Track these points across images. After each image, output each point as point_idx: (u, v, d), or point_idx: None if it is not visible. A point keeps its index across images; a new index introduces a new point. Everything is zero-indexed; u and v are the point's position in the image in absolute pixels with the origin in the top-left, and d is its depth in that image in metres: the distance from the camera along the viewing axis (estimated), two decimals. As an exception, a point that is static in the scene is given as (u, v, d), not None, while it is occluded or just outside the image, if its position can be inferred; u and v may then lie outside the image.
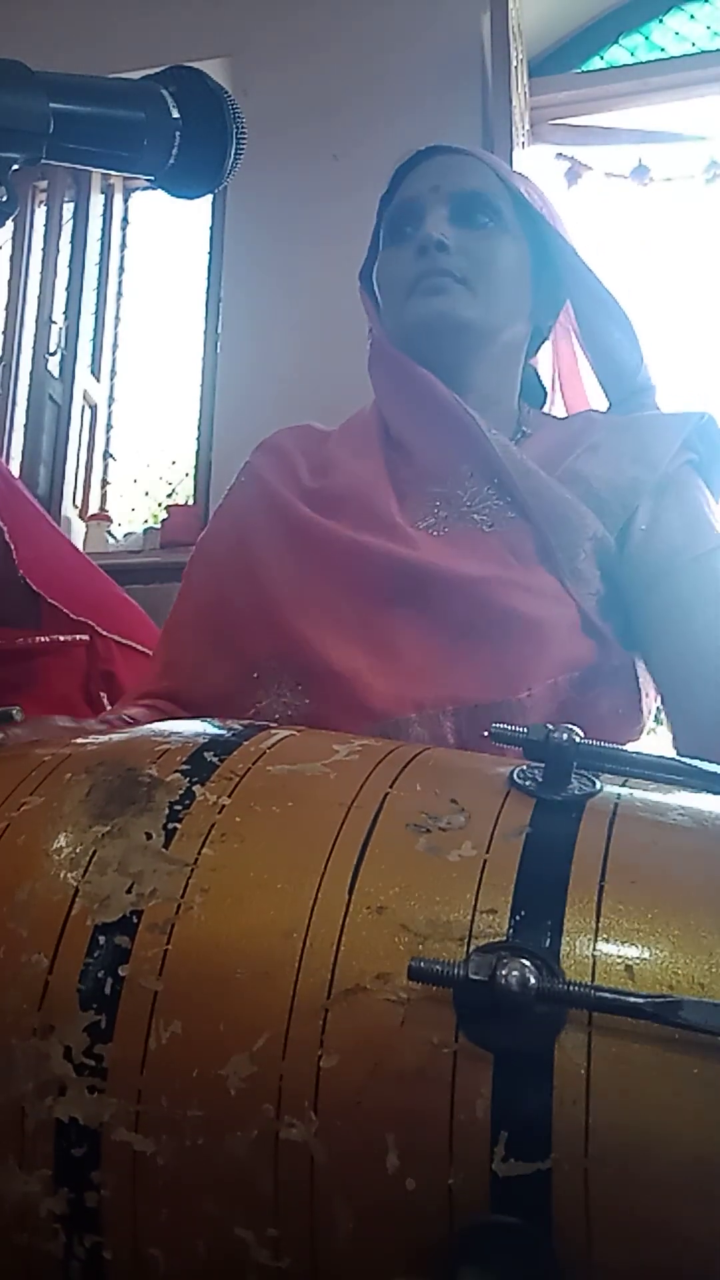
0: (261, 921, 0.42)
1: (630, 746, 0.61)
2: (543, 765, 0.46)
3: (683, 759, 0.47)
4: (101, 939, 0.42)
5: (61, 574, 1.25)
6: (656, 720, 0.88)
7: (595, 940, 0.39)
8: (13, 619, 1.21)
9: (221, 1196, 0.39)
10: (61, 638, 1.19)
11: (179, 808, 0.46)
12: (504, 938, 0.39)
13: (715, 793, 0.45)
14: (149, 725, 0.57)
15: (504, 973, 0.36)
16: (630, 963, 0.38)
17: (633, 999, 0.36)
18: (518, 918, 0.39)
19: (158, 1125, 0.40)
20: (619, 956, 0.38)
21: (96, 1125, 0.40)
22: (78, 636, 1.21)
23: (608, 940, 0.39)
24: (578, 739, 0.45)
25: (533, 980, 0.36)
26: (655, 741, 0.97)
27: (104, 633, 1.22)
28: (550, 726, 0.46)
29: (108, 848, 0.45)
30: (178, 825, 0.45)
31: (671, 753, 0.79)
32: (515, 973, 0.36)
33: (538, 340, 1.02)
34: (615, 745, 0.46)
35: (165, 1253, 0.40)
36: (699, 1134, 0.35)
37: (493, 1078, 0.37)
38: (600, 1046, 0.37)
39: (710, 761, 0.47)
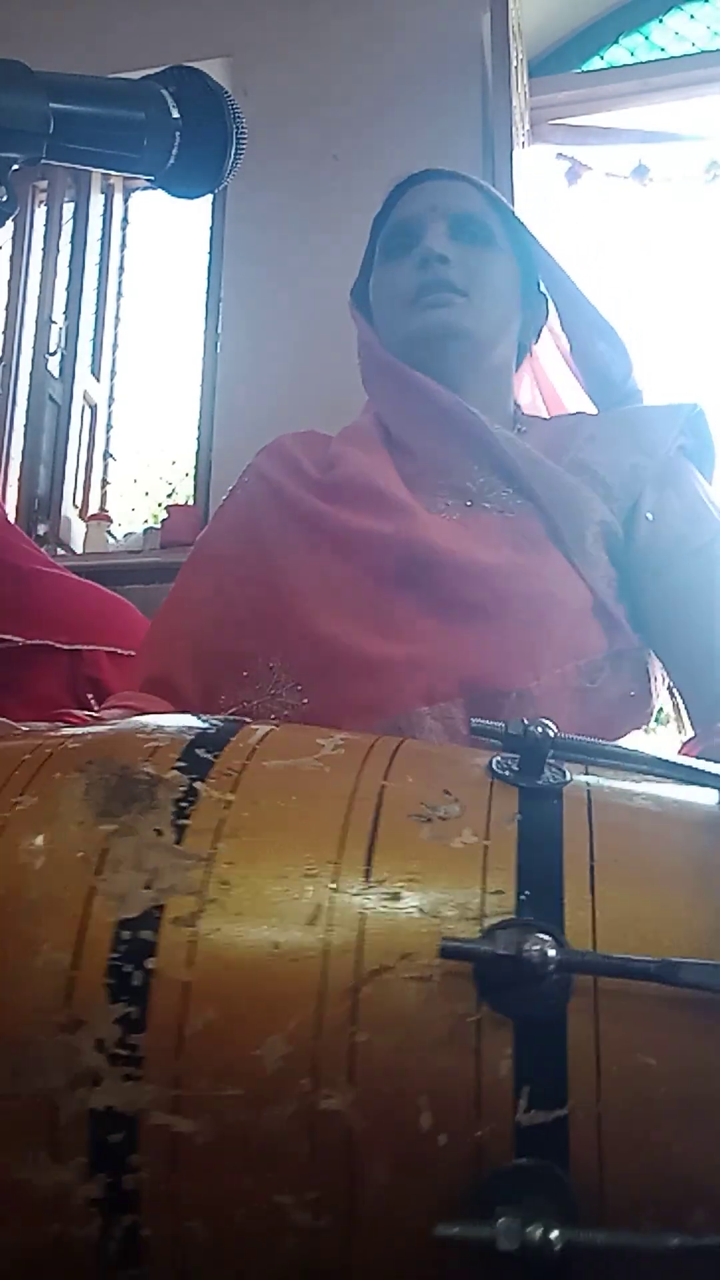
0: (284, 911, 0.44)
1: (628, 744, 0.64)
2: (517, 755, 0.51)
3: (635, 750, 0.53)
4: (125, 934, 0.44)
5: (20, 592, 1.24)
6: (655, 720, 0.94)
7: (593, 913, 0.44)
8: None
9: (260, 1167, 0.42)
10: (34, 641, 1.17)
11: (185, 804, 0.48)
12: (513, 915, 0.44)
13: (674, 780, 0.52)
14: (130, 720, 0.57)
15: (528, 947, 0.41)
16: (625, 932, 0.43)
17: (638, 963, 0.41)
18: (523, 897, 0.44)
19: (196, 1106, 0.42)
20: (616, 927, 0.44)
21: (133, 1111, 0.42)
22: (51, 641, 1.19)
23: (603, 913, 0.44)
24: (552, 732, 0.50)
25: (552, 952, 0.41)
26: (652, 741, 1.01)
27: (62, 646, 1.20)
28: (526, 720, 0.50)
29: (118, 846, 0.46)
30: (186, 822, 0.47)
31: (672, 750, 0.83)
32: (537, 946, 0.41)
33: (518, 361, 1.06)
34: (591, 739, 0.52)
35: (204, 1224, 0.42)
36: (695, 1075, 0.41)
37: (514, 1041, 0.41)
38: (606, 1005, 0.42)
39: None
